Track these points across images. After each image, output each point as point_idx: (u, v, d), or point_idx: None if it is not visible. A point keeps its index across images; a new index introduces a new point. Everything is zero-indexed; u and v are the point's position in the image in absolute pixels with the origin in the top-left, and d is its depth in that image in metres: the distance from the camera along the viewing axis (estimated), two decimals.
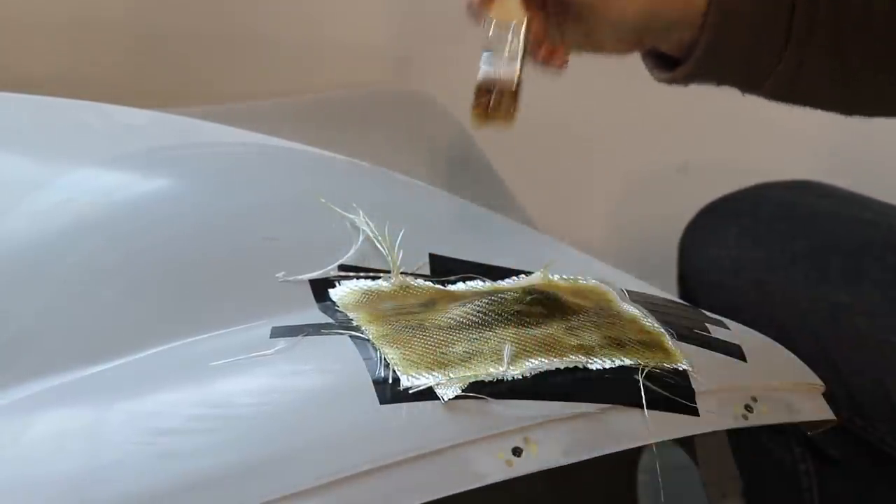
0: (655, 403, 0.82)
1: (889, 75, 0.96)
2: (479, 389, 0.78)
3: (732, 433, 1.03)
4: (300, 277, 0.86)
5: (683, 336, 0.89)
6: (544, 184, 1.61)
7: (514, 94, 0.84)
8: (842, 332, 1.09)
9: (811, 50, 0.93)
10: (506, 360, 0.81)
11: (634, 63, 0.98)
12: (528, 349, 0.82)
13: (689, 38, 0.93)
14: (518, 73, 0.84)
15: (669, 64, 0.96)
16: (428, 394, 0.77)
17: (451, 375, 0.79)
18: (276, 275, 0.85)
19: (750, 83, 0.96)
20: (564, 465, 0.78)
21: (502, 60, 0.84)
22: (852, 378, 0.95)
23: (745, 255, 1.18)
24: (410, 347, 0.81)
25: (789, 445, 1.15)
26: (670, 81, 0.96)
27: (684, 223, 1.28)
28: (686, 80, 0.95)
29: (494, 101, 0.84)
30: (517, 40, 0.84)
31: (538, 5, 0.88)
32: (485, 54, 0.84)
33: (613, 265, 1.01)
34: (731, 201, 1.23)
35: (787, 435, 1.15)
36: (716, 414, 0.85)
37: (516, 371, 0.80)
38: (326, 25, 1.50)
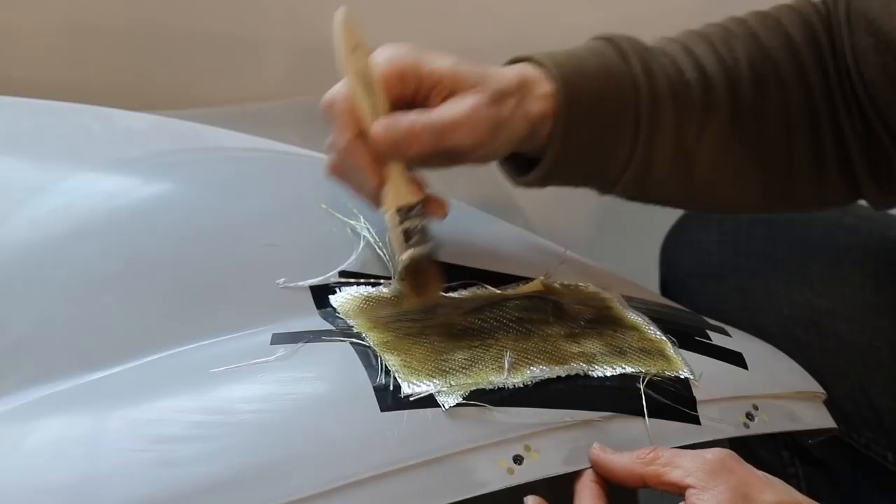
0: (657, 412, 0.82)
1: (730, 174, 0.98)
2: (480, 397, 0.78)
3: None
4: (301, 284, 0.85)
5: (685, 344, 0.89)
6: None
7: (436, 264, 0.87)
8: (824, 338, 1.09)
9: (659, 146, 0.95)
10: (506, 368, 0.81)
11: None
12: (529, 356, 0.82)
13: (541, 144, 0.93)
14: (432, 244, 0.87)
15: (525, 166, 0.96)
16: (429, 401, 0.77)
17: (452, 383, 0.79)
18: (277, 281, 0.85)
19: (604, 183, 0.97)
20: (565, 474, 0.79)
21: (412, 242, 0.86)
22: (835, 384, 0.95)
23: (726, 260, 1.18)
24: (411, 354, 0.81)
25: (777, 449, 1.16)
26: (526, 185, 0.96)
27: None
28: (540, 181, 0.95)
29: (422, 279, 0.86)
30: (418, 219, 0.86)
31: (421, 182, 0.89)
32: (396, 240, 0.86)
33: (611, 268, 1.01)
34: None
35: (775, 439, 1.15)
36: (717, 422, 0.85)
37: (517, 379, 0.80)
38: (327, 27, 1.49)
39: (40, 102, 1.00)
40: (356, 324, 0.83)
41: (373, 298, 0.87)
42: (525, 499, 0.76)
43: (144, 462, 0.72)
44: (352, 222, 0.90)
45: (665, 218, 1.28)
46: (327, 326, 0.83)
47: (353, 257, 0.88)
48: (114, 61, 1.44)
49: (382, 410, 0.76)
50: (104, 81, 1.42)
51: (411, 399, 0.77)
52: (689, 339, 0.90)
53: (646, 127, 0.94)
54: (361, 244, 0.89)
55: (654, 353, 0.87)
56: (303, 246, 0.89)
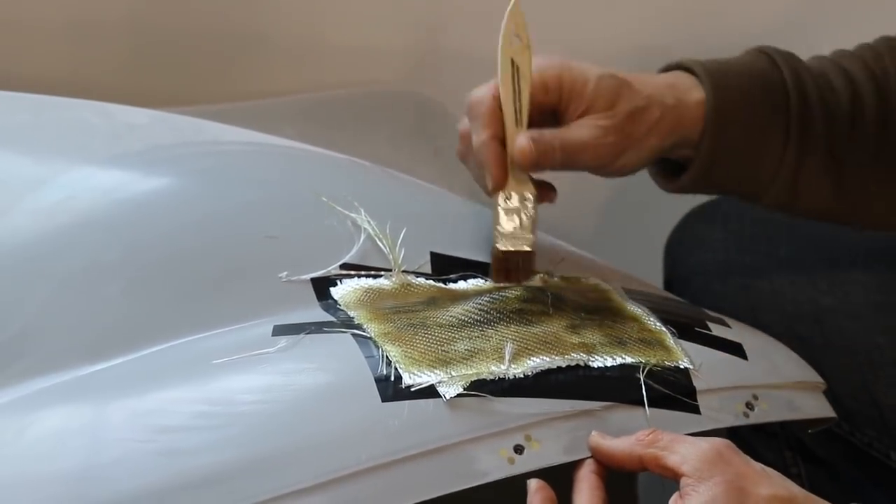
0: (657, 401, 0.82)
1: (880, 183, 0.98)
2: (481, 387, 0.79)
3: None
4: (303, 277, 0.86)
5: (685, 334, 0.89)
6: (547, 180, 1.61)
7: (533, 256, 0.90)
8: (828, 336, 1.09)
9: (809, 150, 0.96)
10: (507, 359, 0.81)
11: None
12: (529, 347, 0.83)
13: (690, 153, 0.95)
14: (534, 238, 0.89)
15: (673, 170, 0.97)
16: (430, 392, 0.77)
17: (453, 373, 0.79)
18: (279, 275, 0.85)
19: (755, 189, 0.98)
20: (565, 464, 0.79)
21: (517, 229, 0.89)
22: (839, 382, 0.96)
23: (731, 259, 1.19)
24: (412, 345, 0.81)
25: (780, 449, 1.16)
26: (677, 190, 0.98)
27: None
28: (692, 186, 0.97)
29: (514, 265, 0.90)
30: (529, 209, 0.89)
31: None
32: (503, 225, 0.89)
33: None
34: (716, 205, 1.24)
35: (777, 439, 1.15)
36: (717, 412, 0.85)
37: (518, 369, 0.81)
38: (327, 25, 1.50)
39: (41, 97, 1.00)
40: (357, 315, 0.84)
41: (374, 290, 0.87)
42: (528, 482, 0.77)
43: (146, 452, 0.72)
44: (352, 215, 0.90)
45: (669, 216, 1.28)
46: (328, 318, 0.83)
47: (354, 250, 0.89)
48: (114, 59, 1.44)
49: (384, 401, 0.77)
50: (105, 79, 1.42)
51: (412, 390, 0.77)
52: (689, 329, 0.90)
53: (796, 131, 0.95)
54: (363, 237, 0.90)
55: (654, 343, 0.87)
56: (304, 239, 0.89)
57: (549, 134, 0.90)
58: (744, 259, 1.18)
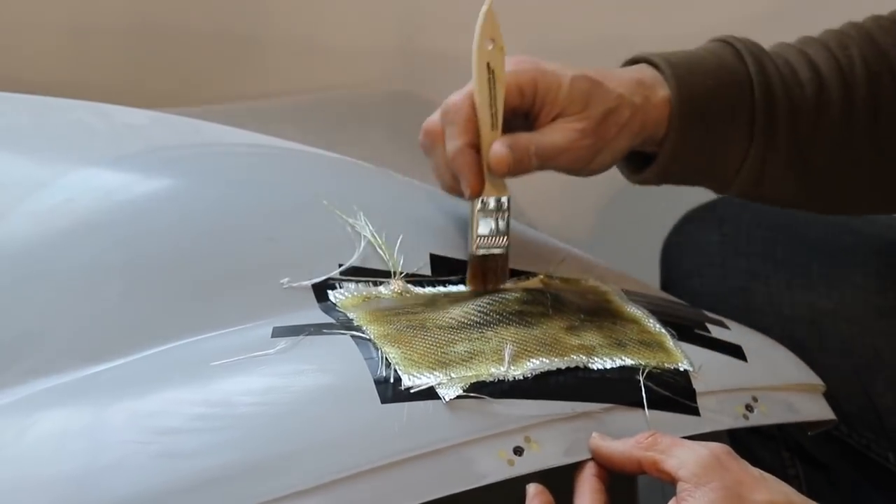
0: (656, 403, 0.82)
1: (846, 172, 0.99)
2: (480, 389, 0.79)
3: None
4: (304, 283, 0.86)
5: (684, 336, 0.89)
6: (543, 184, 1.61)
7: (507, 259, 0.90)
8: (825, 339, 1.09)
9: (774, 146, 0.96)
10: (507, 360, 0.81)
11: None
12: (529, 349, 0.83)
13: (655, 148, 0.95)
14: (509, 241, 0.90)
15: (641, 162, 0.97)
16: (429, 393, 0.78)
17: (453, 375, 0.79)
18: (280, 281, 0.85)
19: (719, 182, 0.98)
20: (566, 466, 0.79)
21: (493, 232, 0.90)
22: (836, 385, 0.96)
23: (727, 262, 1.19)
24: (412, 347, 0.81)
25: (778, 451, 1.16)
26: (641, 182, 0.98)
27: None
28: (656, 180, 0.97)
29: (491, 269, 0.90)
30: (504, 213, 0.90)
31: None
32: (480, 229, 0.89)
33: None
34: (712, 208, 1.24)
35: (775, 441, 1.15)
36: (716, 414, 0.85)
37: (517, 371, 0.81)
38: (326, 25, 1.50)
39: (40, 98, 1.00)
40: (356, 317, 0.84)
41: (372, 295, 0.87)
42: (527, 486, 0.77)
43: (146, 454, 0.72)
44: (351, 221, 0.90)
45: (665, 219, 1.29)
46: (328, 319, 0.83)
47: (355, 256, 0.89)
48: (115, 60, 1.44)
49: (383, 403, 0.77)
50: (106, 80, 1.42)
51: (412, 391, 0.77)
52: (689, 331, 0.91)
53: (760, 128, 0.95)
54: (363, 242, 0.89)
55: (654, 345, 0.87)
56: (304, 241, 0.89)
57: (524, 139, 0.90)
58: (740, 262, 1.18)
